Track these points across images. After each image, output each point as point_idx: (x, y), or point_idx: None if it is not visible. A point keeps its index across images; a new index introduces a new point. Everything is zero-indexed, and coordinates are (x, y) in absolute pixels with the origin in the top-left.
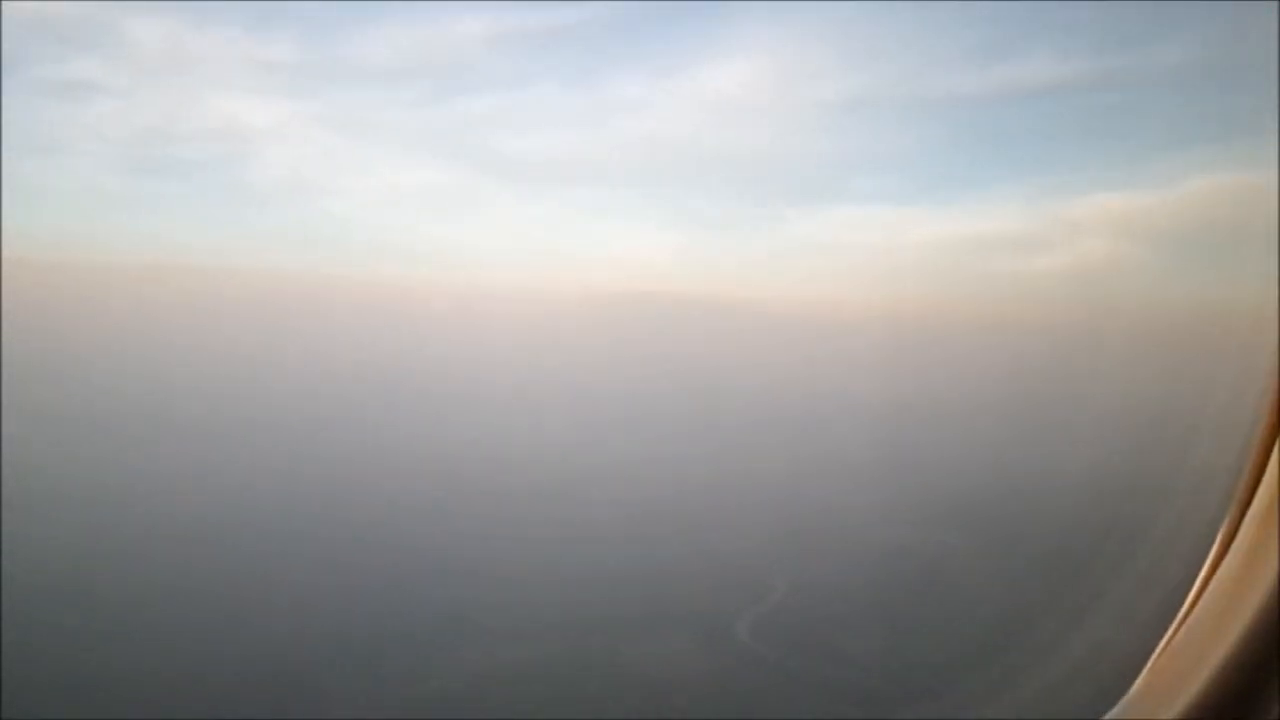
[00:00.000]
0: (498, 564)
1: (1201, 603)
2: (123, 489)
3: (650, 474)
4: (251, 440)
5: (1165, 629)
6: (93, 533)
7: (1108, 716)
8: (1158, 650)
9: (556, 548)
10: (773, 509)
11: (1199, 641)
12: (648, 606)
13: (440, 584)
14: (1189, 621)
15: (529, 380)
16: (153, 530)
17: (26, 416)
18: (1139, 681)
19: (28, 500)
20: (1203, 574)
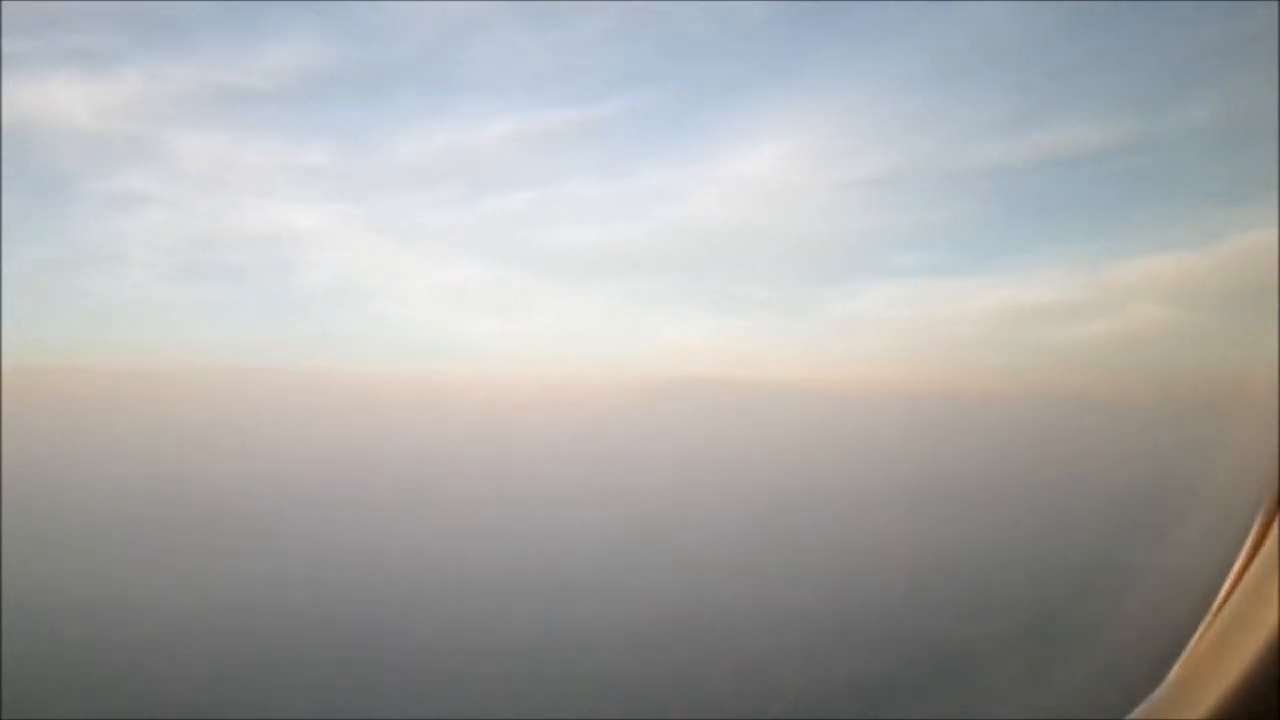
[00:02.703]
0: (524, 656)
1: (1232, 600)
2: (167, 592)
3: (686, 562)
4: (298, 539)
5: (1195, 627)
6: (130, 637)
7: (1137, 712)
8: (1188, 649)
9: (580, 639)
10: (809, 600)
11: (1229, 639)
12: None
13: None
14: (1220, 618)
15: (574, 470)
16: (191, 633)
17: (76, 521)
18: (1168, 680)
19: (59, 606)
20: (1234, 571)
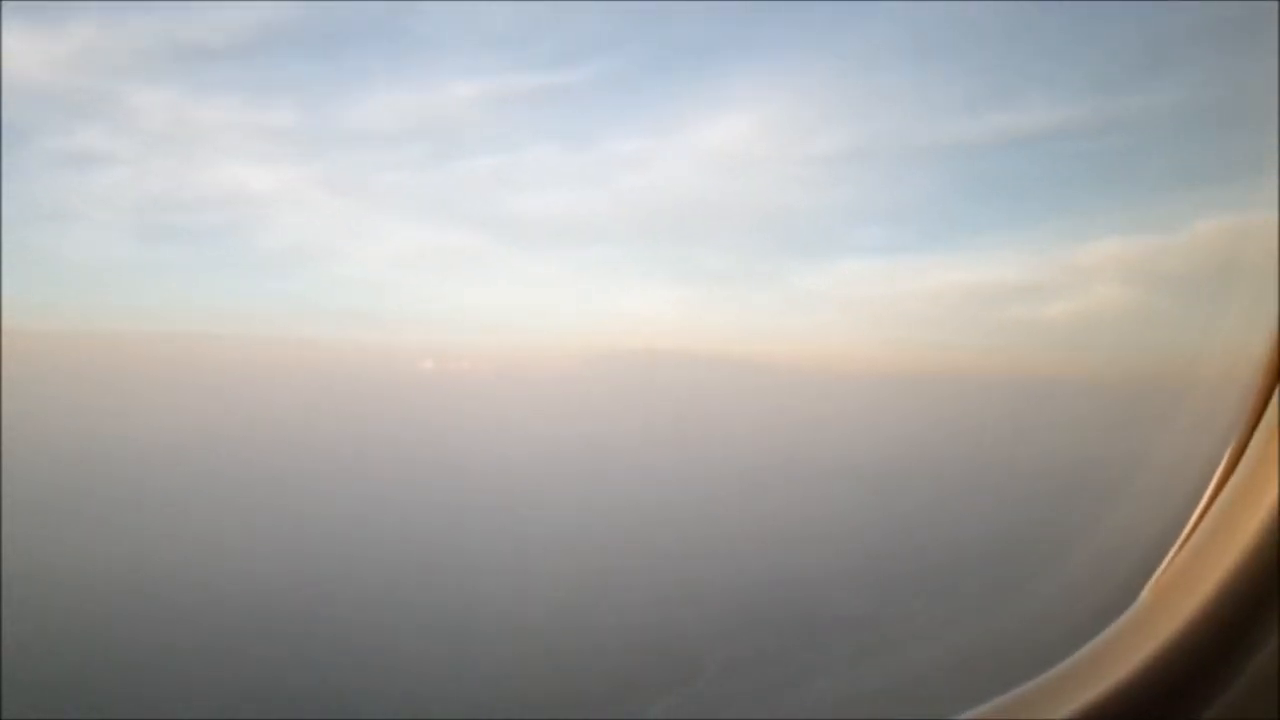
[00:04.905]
0: (469, 628)
1: (1204, 523)
2: (128, 565)
3: (641, 535)
4: (261, 509)
5: (1167, 550)
6: (96, 613)
7: (1106, 632)
8: (1159, 570)
9: (525, 611)
10: (748, 577)
11: (1199, 562)
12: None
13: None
14: (1190, 542)
15: (536, 439)
16: (154, 610)
17: (29, 490)
18: (1139, 600)
19: (29, 578)
20: (1207, 494)
